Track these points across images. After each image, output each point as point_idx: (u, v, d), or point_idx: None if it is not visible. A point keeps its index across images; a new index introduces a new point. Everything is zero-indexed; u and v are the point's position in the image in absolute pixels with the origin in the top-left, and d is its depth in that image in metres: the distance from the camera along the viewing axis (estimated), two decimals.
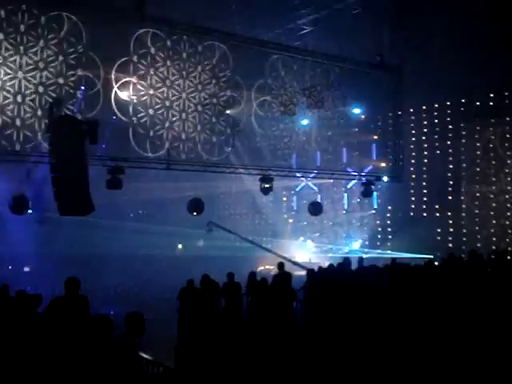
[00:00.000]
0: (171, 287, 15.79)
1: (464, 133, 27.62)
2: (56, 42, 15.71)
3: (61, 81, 15.87)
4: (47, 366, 6.89)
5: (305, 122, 28.25)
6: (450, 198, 27.91)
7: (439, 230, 27.89)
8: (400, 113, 24.59)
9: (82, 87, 16.37)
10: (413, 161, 28.81)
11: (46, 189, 14.00)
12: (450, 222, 27.85)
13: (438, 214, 28.24)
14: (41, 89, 15.65)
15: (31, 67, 15.45)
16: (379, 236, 31.05)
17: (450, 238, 27.63)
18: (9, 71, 15.18)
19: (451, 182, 28.00)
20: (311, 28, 23.31)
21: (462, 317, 11.44)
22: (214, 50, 18.79)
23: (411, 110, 28.44)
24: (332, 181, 29.43)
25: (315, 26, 23.01)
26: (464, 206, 27.46)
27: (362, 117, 28.92)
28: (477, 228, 26.79)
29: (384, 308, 12.47)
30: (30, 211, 17.51)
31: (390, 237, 30.23)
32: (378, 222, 31.06)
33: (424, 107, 28.75)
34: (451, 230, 27.76)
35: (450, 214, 27.87)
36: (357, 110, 26.35)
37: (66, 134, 13.25)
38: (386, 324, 11.85)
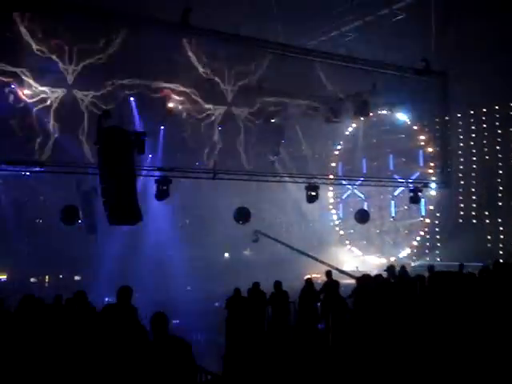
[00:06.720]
0: (219, 296, 15.87)
1: None
2: (105, 55, 16.02)
3: (110, 93, 16.19)
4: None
5: (350, 129, 28.12)
6: (500, 204, 27.26)
7: (489, 237, 27.28)
8: (447, 118, 24.20)
9: (132, 98, 16.67)
10: (461, 167, 28.26)
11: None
12: (501, 228, 27.19)
13: (487, 221, 27.63)
14: (90, 101, 16.01)
15: (81, 79, 15.82)
16: (428, 244, 30.54)
17: (501, 245, 26.98)
18: (60, 84, 15.59)
19: (501, 188, 27.37)
20: (356, 35, 23.17)
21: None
22: (258, 59, 18.88)
23: (459, 115, 27.91)
24: (379, 188, 29.20)
25: (359, 33, 22.87)
26: None
27: (409, 123, 28.70)
28: None
29: (437, 317, 12.24)
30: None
31: (438, 244, 29.71)
32: (427, 229, 30.56)
33: (472, 112, 28.21)
34: (502, 236, 27.10)
35: (500, 220, 27.23)
36: (403, 116, 26.18)
37: (114, 144, 13.49)
38: (441, 334, 11.63)
